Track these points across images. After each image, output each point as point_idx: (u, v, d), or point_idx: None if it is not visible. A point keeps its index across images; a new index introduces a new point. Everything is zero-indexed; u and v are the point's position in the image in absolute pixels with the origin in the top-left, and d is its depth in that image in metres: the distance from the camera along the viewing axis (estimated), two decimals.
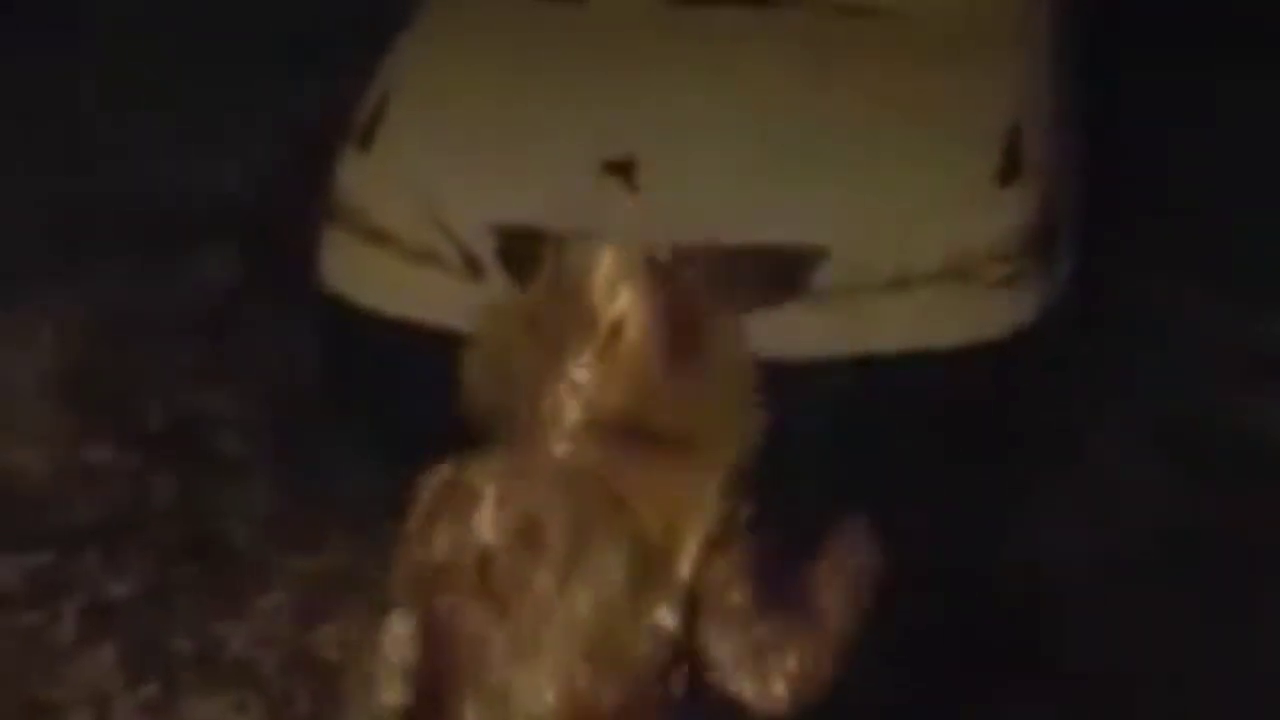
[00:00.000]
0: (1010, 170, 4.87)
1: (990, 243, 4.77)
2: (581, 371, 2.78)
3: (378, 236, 5.00)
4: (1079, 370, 5.10)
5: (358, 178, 5.12)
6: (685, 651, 2.77)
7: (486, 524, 2.80)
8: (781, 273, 4.73)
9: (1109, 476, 5.06)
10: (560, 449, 2.80)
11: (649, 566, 2.75)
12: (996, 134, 4.92)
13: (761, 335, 4.58)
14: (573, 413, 2.78)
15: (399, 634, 2.89)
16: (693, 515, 2.77)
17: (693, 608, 2.75)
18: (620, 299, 2.81)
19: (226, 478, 5.26)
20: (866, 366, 4.70)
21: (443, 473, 2.88)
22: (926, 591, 4.34)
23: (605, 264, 2.82)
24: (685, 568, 2.75)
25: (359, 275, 5.07)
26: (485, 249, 4.89)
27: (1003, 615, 4.62)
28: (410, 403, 4.64)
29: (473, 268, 4.92)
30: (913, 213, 4.76)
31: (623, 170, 4.85)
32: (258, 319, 5.79)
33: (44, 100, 6.68)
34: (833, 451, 4.71)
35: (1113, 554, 4.79)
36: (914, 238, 4.74)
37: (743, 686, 2.76)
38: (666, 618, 2.75)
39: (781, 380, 4.57)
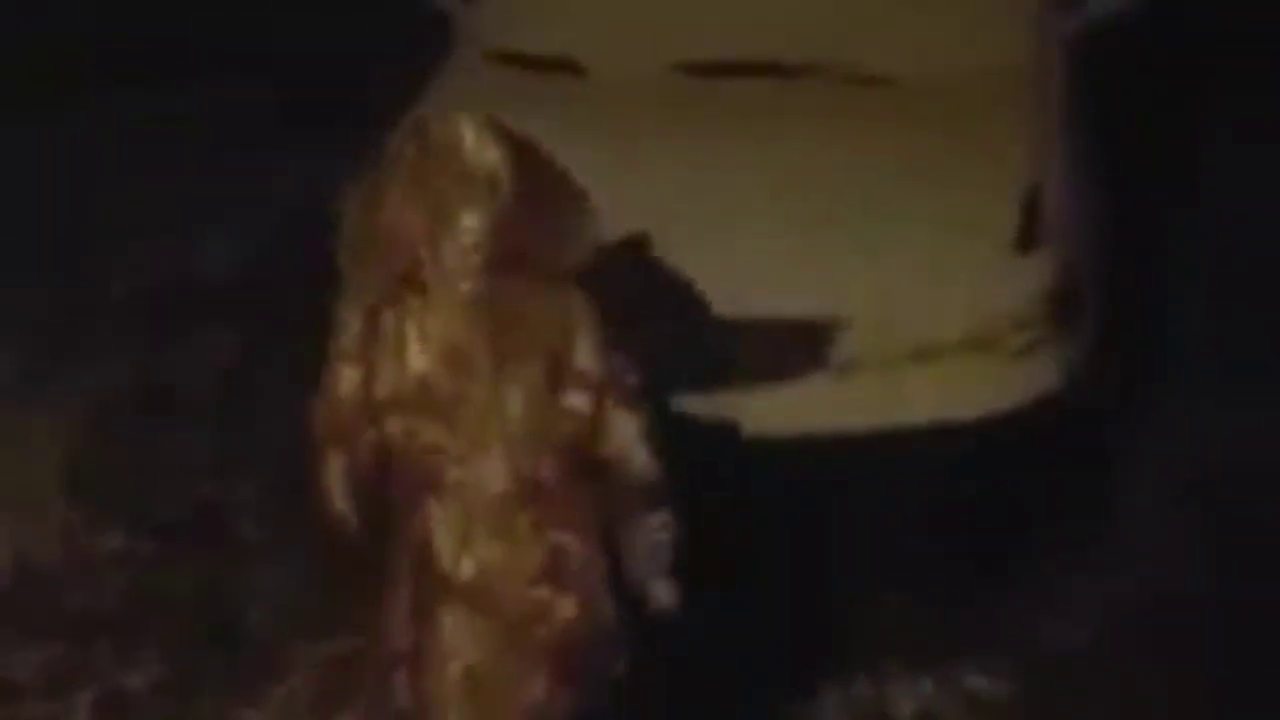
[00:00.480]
0: (1029, 235, 4.81)
1: (1011, 310, 4.71)
2: (471, 220, 3.39)
3: None
4: (1106, 434, 5.05)
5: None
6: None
7: (417, 357, 3.42)
8: (803, 345, 4.67)
9: (1137, 538, 5.00)
10: (465, 286, 3.41)
11: (556, 364, 3.42)
12: (1013, 199, 4.88)
13: (784, 409, 4.69)
14: (471, 255, 3.39)
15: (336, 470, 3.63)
16: (576, 317, 3.44)
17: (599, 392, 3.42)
18: (489, 157, 3.41)
19: (240, 564, 5.19)
20: (890, 439, 4.63)
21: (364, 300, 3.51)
22: (959, 659, 4.30)
23: (471, 130, 3.43)
24: (584, 359, 3.43)
25: None
26: None
27: (1036, 679, 4.56)
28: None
29: None
30: (932, 282, 4.71)
31: (634, 247, 4.80)
32: (266, 401, 5.74)
33: (39, 189, 6.66)
34: (858, 525, 4.67)
35: (1145, 614, 4.74)
36: (935, 307, 4.69)
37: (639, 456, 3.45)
38: (578, 400, 3.42)
39: (805, 454, 4.64)
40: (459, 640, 3.43)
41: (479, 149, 3.42)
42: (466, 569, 3.42)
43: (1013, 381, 4.70)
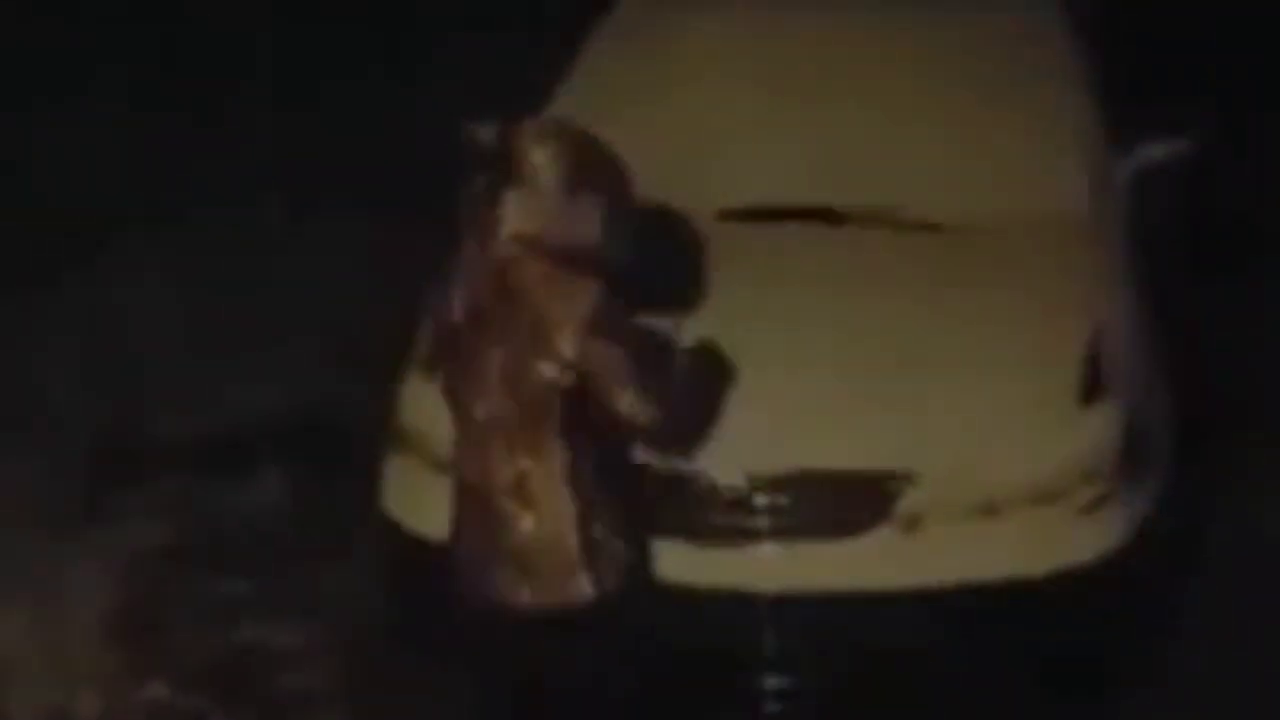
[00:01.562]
0: (1092, 387, 4.76)
1: (1076, 464, 4.65)
2: (510, 197, 4.04)
3: (443, 465, 4.87)
4: (1170, 593, 4.96)
5: (422, 404, 4.99)
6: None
7: (456, 303, 4.14)
8: (868, 499, 4.61)
9: (1202, 700, 4.90)
10: (498, 250, 4.05)
11: (540, 337, 4.00)
12: (1075, 349, 4.83)
13: (848, 564, 4.62)
14: (505, 226, 4.03)
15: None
16: (573, 305, 3.99)
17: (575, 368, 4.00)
18: (536, 150, 4.05)
19: (286, 715, 5.11)
20: (956, 595, 4.55)
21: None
22: None
23: (530, 129, 4.14)
24: (565, 343, 3.99)
25: (423, 505, 4.90)
26: None
27: None
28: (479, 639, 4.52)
29: None
30: (997, 435, 4.65)
31: None
32: (314, 546, 5.68)
33: (87, 330, 6.65)
34: (923, 681, 4.58)
35: None
36: (1000, 461, 4.63)
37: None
38: (549, 370, 4.01)
39: (869, 610, 4.56)
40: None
41: (530, 144, 4.06)
42: (470, 474, 4.17)
43: (1080, 537, 4.62)
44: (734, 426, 4.64)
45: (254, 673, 5.25)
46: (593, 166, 4.09)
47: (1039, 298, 4.97)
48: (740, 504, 4.65)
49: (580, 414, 4.04)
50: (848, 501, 4.61)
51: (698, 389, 4.24)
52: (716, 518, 4.66)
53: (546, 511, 4.05)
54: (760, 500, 4.64)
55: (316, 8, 8.77)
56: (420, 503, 4.93)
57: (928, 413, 4.68)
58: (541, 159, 4.04)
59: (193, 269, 6.98)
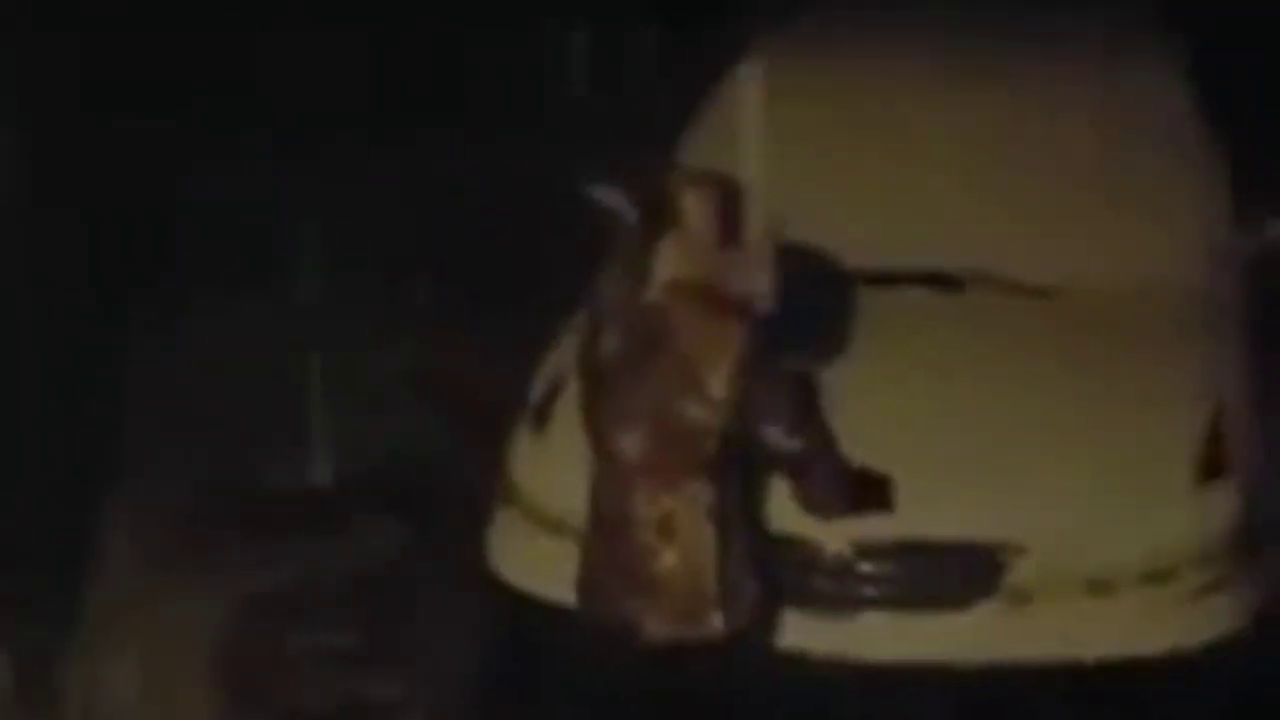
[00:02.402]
0: (1211, 466, 4.69)
1: (1192, 544, 4.58)
2: (666, 244, 4.19)
3: (552, 524, 4.86)
4: None
5: (531, 461, 5.01)
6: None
7: (604, 346, 4.26)
8: (977, 570, 4.56)
9: None
10: (648, 295, 4.20)
11: (687, 378, 4.14)
12: (1195, 426, 4.76)
13: (955, 636, 4.56)
14: (660, 273, 4.18)
15: None
16: (722, 346, 4.14)
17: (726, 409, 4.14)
18: (682, 199, 4.22)
19: None
20: (1063, 673, 4.48)
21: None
22: None
23: (678, 177, 4.43)
24: (715, 384, 4.12)
25: (531, 563, 4.92)
26: None
27: None
28: (583, 698, 4.49)
29: None
30: (1111, 511, 4.59)
31: None
32: (419, 598, 5.68)
33: (194, 377, 6.71)
34: None
35: None
36: (1113, 538, 4.57)
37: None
38: (697, 411, 4.14)
39: (974, 683, 4.50)
40: None
41: (684, 192, 4.25)
42: (609, 509, 4.28)
43: (1192, 620, 4.55)
44: None
45: (354, 719, 5.26)
46: (742, 215, 4.27)
47: (1158, 372, 4.91)
48: (846, 571, 4.61)
49: (726, 454, 4.17)
50: (955, 572, 4.56)
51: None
52: (822, 584, 4.63)
53: (688, 547, 4.17)
54: (866, 568, 4.61)
55: (418, 61, 8.83)
56: (527, 561, 4.93)
57: (1040, 485, 4.63)
58: (695, 206, 4.20)
59: (300, 320, 7.03)
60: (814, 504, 4.32)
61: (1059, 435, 4.72)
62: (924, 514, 4.59)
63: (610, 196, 5.58)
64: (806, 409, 4.24)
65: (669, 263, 4.19)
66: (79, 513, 5.86)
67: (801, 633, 4.60)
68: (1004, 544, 4.56)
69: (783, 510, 4.61)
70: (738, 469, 4.21)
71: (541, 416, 5.04)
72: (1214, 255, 5.34)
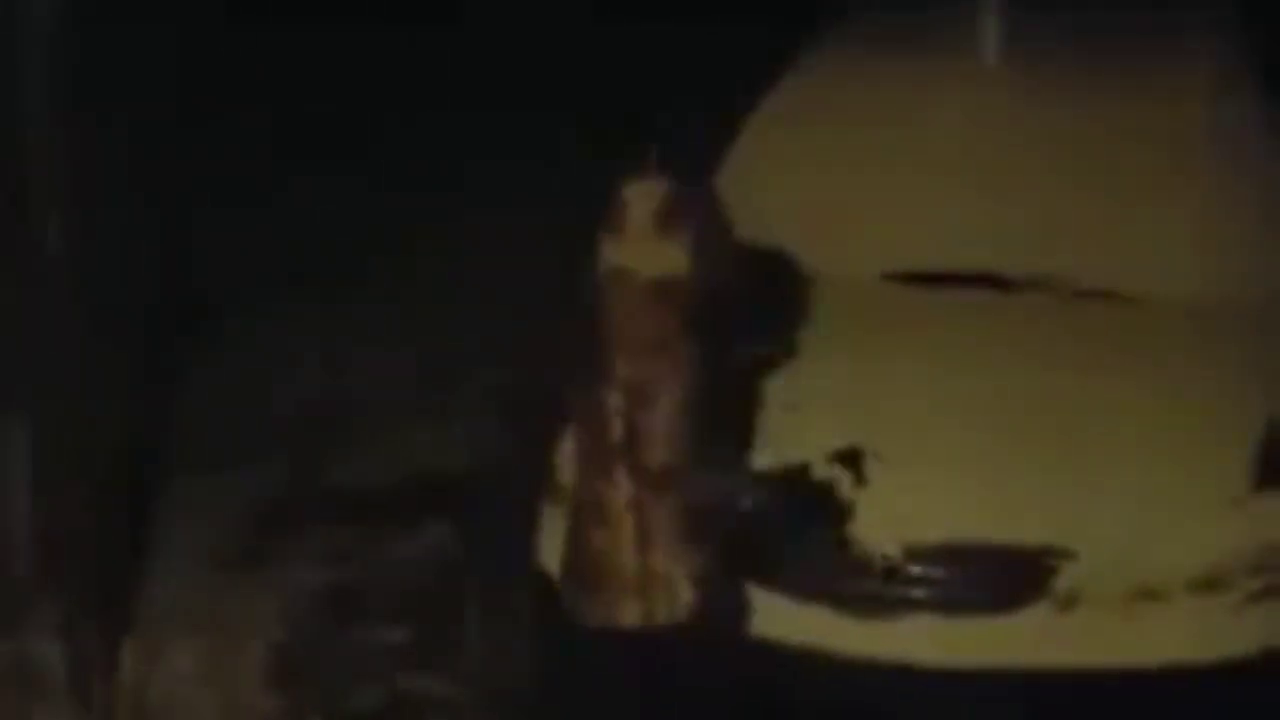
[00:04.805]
0: (1269, 472, 4.59)
1: (1245, 553, 4.48)
2: (606, 235, 4.37)
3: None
4: None
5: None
6: None
7: (568, 331, 4.40)
8: (1023, 574, 4.48)
9: None
10: (600, 284, 4.36)
11: (606, 361, 4.30)
12: (1252, 431, 4.66)
13: (1003, 639, 4.49)
14: (601, 263, 4.35)
15: None
16: (652, 338, 4.29)
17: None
18: (628, 189, 4.36)
19: None
20: (1113, 679, 4.41)
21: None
22: None
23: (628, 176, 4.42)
24: (624, 370, 4.30)
25: None
26: None
27: None
28: (626, 699, 4.52)
29: None
30: (1163, 517, 4.50)
31: (849, 460, 4.67)
32: (473, 600, 5.68)
33: (257, 376, 6.76)
34: None
35: None
36: (1164, 545, 4.47)
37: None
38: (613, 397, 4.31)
39: (1022, 688, 4.44)
40: None
41: (625, 188, 4.38)
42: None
43: (1245, 628, 4.45)
44: (890, 496, 4.60)
45: (406, 718, 5.27)
46: (683, 209, 4.36)
47: (1212, 378, 4.81)
48: (894, 573, 4.55)
49: (644, 441, 4.27)
50: (1004, 575, 4.48)
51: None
52: (869, 586, 4.57)
53: (613, 533, 4.28)
54: (914, 570, 4.54)
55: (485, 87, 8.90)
56: None
57: (1090, 489, 4.54)
58: (636, 200, 4.35)
59: (359, 321, 7.07)
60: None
61: (1110, 439, 4.63)
62: (973, 517, 4.53)
63: None
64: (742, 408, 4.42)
65: (611, 253, 4.34)
66: (138, 507, 5.91)
67: (849, 635, 4.56)
68: (1052, 548, 4.48)
69: (831, 511, 4.61)
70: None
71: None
72: (1276, 262, 5.24)
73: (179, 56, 7.52)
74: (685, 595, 4.30)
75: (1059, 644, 4.45)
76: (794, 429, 4.73)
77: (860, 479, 4.63)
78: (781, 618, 4.58)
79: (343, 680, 5.46)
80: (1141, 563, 4.46)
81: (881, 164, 5.49)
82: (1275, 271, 5.21)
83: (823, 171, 5.50)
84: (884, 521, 4.55)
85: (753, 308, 4.66)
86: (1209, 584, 4.45)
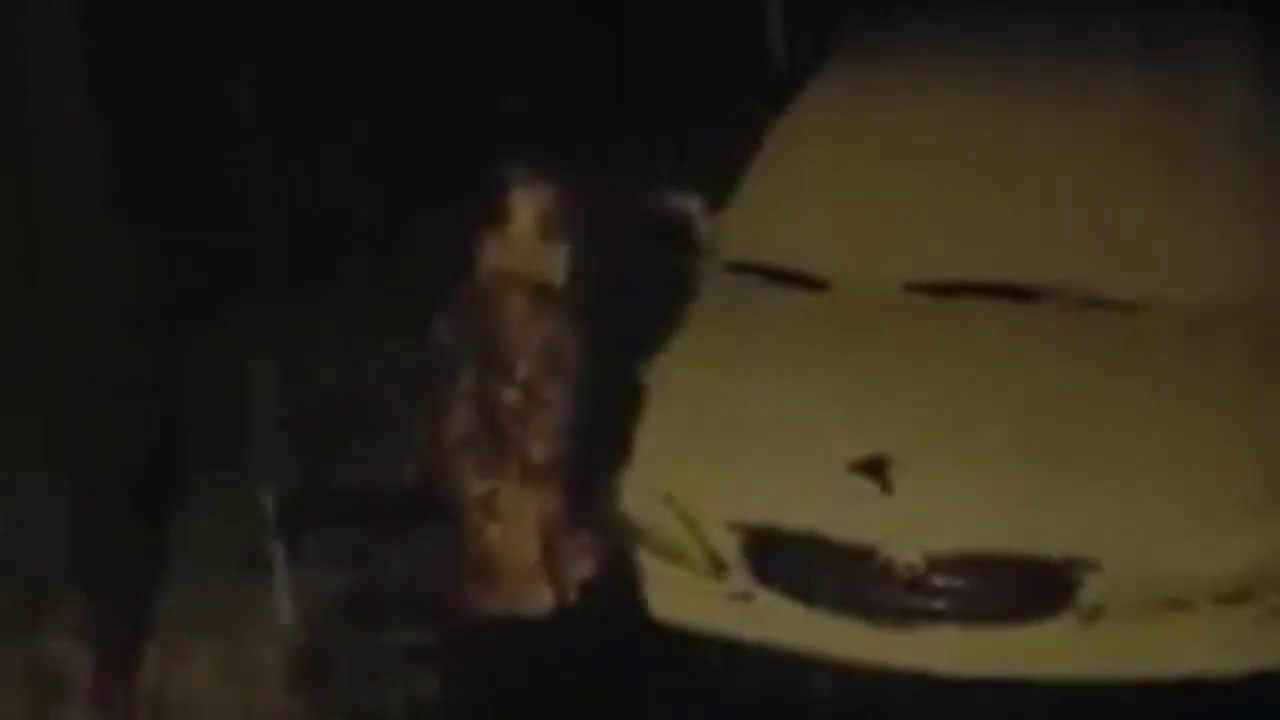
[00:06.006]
0: None
1: (1270, 565, 4.51)
2: (489, 236, 4.51)
3: (628, 532, 4.88)
4: None
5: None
6: None
7: (441, 326, 4.56)
8: (1047, 585, 4.51)
9: None
10: (474, 283, 4.52)
11: (504, 363, 4.44)
12: (1274, 443, 4.68)
13: (1028, 650, 4.51)
14: (483, 262, 4.51)
15: None
16: (537, 332, 4.46)
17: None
18: (512, 192, 4.49)
19: None
20: (1136, 691, 4.44)
21: None
22: None
23: (514, 177, 4.53)
24: (523, 371, 4.44)
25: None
26: (729, 547, 4.76)
27: None
28: (649, 696, 4.56)
29: (716, 565, 4.78)
30: (1186, 529, 4.52)
31: (874, 468, 4.69)
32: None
33: (279, 379, 6.74)
34: None
35: None
36: (1187, 557, 4.50)
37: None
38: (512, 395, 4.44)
39: (1047, 699, 4.46)
40: None
41: (511, 192, 4.49)
42: (447, 491, 4.54)
43: (1270, 640, 4.48)
44: (914, 505, 4.63)
45: (423, 717, 5.27)
46: (567, 216, 4.50)
47: (1233, 386, 4.83)
48: (918, 584, 4.58)
49: (548, 434, 4.40)
50: (1028, 586, 4.51)
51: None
52: (894, 596, 4.60)
53: (511, 525, 4.43)
54: (938, 581, 4.57)
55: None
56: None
57: (1114, 501, 4.56)
58: (520, 202, 4.48)
59: (374, 319, 7.06)
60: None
61: (1134, 450, 4.66)
62: (996, 528, 4.56)
63: (685, 200, 5.58)
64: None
65: (493, 253, 4.48)
66: (157, 510, 5.91)
67: (872, 645, 4.59)
68: (1076, 559, 4.50)
69: (855, 520, 4.64)
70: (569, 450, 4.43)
71: None
72: None
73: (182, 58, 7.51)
74: (589, 575, 4.50)
75: (1083, 655, 4.48)
76: (814, 441, 4.77)
77: (886, 487, 4.65)
78: (806, 628, 4.62)
79: (361, 681, 5.47)
80: (1166, 574, 4.49)
81: (899, 176, 5.50)
82: None
83: (842, 184, 5.51)
84: (908, 532, 4.58)
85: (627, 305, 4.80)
86: (1235, 595, 4.47)
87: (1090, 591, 4.49)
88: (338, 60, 8.50)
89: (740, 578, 4.74)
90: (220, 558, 5.95)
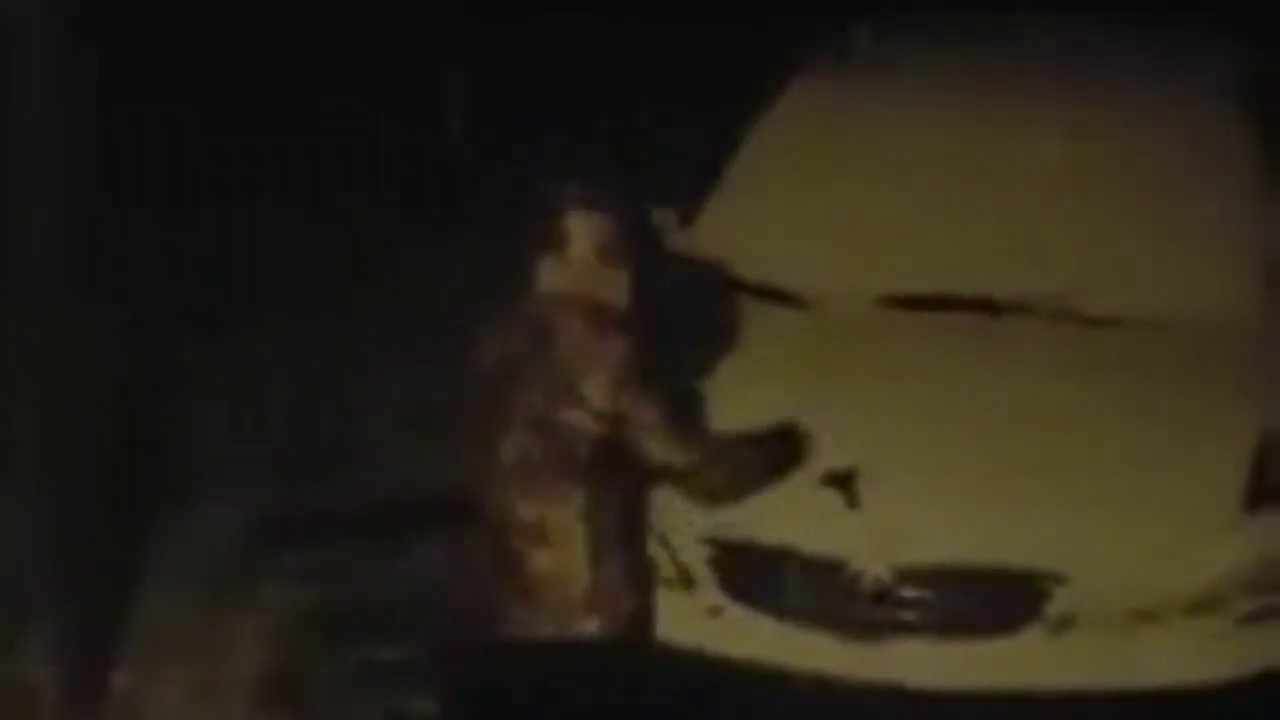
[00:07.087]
0: (1259, 493, 4.60)
1: (1241, 574, 4.49)
2: (545, 260, 4.49)
3: None
4: None
5: None
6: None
7: (485, 353, 4.54)
8: (1015, 598, 4.49)
9: None
10: (529, 305, 4.50)
11: (565, 388, 4.38)
12: (1243, 454, 4.67)
13: (997, 662, 4.49)
14: (538, 285, 4.49)
15: None
16: (602, 359, 4.39)
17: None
18: (569, 215, 4.46)
19: None
20: (1108, 702, 4.41)
21: None
22: None
23: (566, 196, 4.51)
24: (594, 396, 4.36)
25: None
26: (697, 560, 4.74)
27: None
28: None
29: (685, 578, 4.76)
30: (1156, 539, 4.51)
31: (842, 482, 4.68)
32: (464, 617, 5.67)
33: (252, 397, 6.76)
34: None
35: None
36: (1158, 568, 4.48)
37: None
38: (575, 417, 4.38)
39: (1016, 712, 4.43)
40: None
41: (561, 210, 4.46)
42: (492, 513, 4.50)
43: (1239, 649, 4.46)
44: (883, 518, 4.60)
45: None
46: (625, 236, 4.49)
47: (1204, 399, 4.82)
48: (886, 597, 4.55)
49: (603, 462, 4.38)
50: (997, 599, 4.49)
51: (753, 452, 4.61)
52: (862, 609, 4.57)
53: (561, 551, 4.38)
54: (907, 594, 4.55)
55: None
56: None
57: (1082, 512, 4.54)
58: (577, 226, 4.45)
59: (353, 339, 7.07)
60: (703, 497, 4.58)
61: (1103, 463, 4.64)
62: (965, 541, 4.54)
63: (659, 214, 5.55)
64: (689, 422, 4.50)
65: (550, 276, 4.45)
66: (132, 527, 5.91)
67: (843, 659, 4.56)
68: (1045, 572, 4.48)
69: (824, 533, 4.62)
70: (618, 478, 4.42)
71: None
72: (1267, 284, 5.22)
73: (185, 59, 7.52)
74: (632, 605, 4.48)
75: (1054, 667, 4.46)
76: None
77: (853, 501, 4.63)
78: (776, 642, 4.60)
79: (336, 701, 5.45)
80: (1136, 585, 4.47)
81: (875, 189, 5.48)
82: (1270, 296, 5.21)
83: (817, 196, 5.50)
84: (876, 545, 4.55)
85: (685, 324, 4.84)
86: (1205, 605, 4.46)
87: (1059, 603, 4.46)
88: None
89: (709, 592, 4.71)
90: (192, 578, 5.94)
